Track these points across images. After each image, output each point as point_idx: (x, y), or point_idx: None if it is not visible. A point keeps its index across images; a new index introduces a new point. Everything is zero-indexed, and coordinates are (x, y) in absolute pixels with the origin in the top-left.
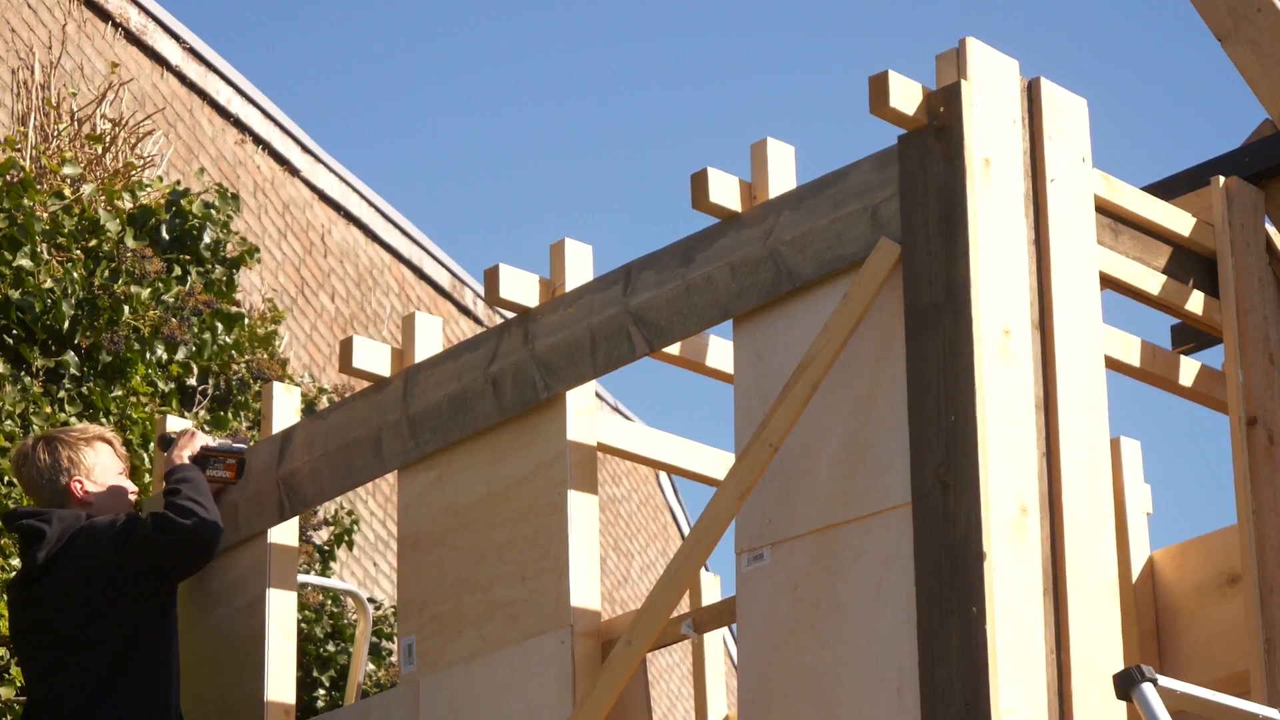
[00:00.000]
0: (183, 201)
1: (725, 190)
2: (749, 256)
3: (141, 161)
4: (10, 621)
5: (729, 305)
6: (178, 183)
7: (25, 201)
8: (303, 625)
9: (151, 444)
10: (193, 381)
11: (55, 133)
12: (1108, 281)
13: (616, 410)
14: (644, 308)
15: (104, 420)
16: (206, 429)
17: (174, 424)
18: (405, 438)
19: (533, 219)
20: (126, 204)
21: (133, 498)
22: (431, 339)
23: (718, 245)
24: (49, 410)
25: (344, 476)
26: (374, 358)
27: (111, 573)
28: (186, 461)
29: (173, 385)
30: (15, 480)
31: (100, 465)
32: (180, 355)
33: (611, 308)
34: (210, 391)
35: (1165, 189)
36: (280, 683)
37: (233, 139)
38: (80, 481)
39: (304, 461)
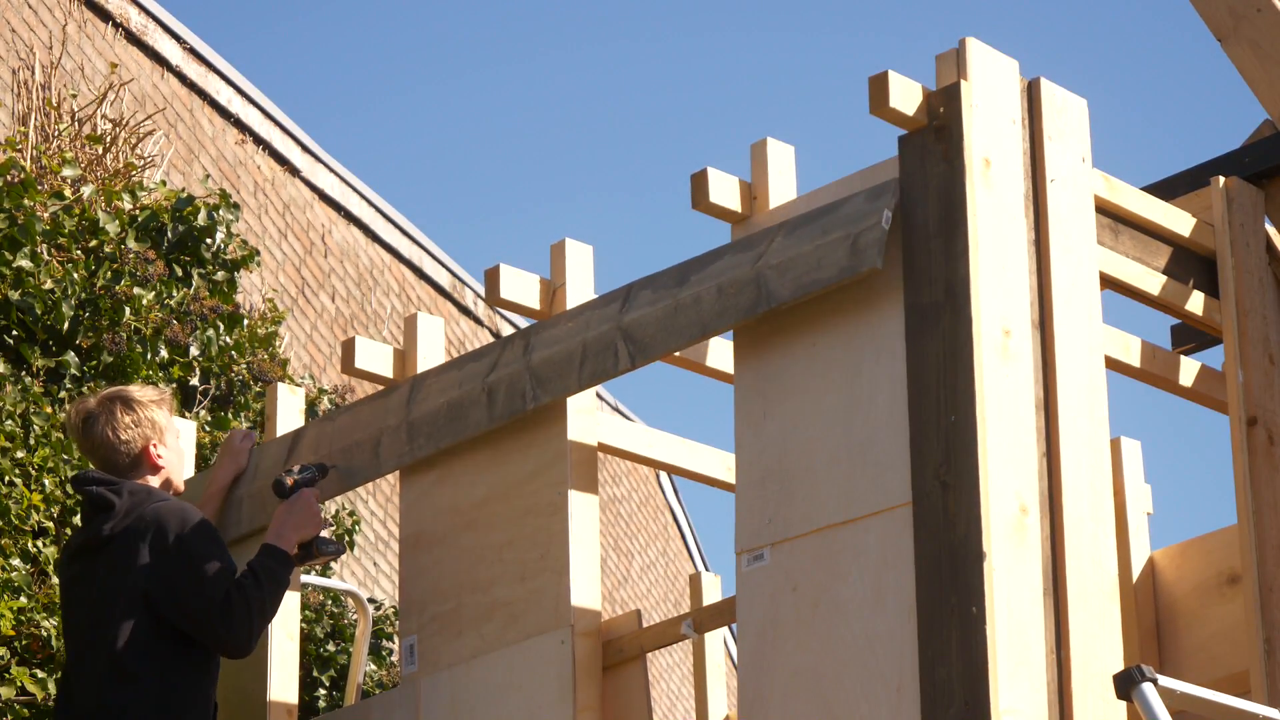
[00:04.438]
0: (186, 210)
1: (725, 190)
2: (737, 278)
3: (142, 162)
4: (61, 584)
5: (709, 324)
6: (182, 190)
7: (25, 202)
8: (303, 625)
9: None
10: (194, 382)
11: (56, 133)
12: (1108, 281)
13: (616, 410)
14: (634, 324)
15: None
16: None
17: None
18: (402, 442)
19: (533, 219)
20: (127, 205)
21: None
22: (433, 340)
23: (712, 267)
24: (49, 410)
25: (343, 478)
26: (376, 358)
27: (147, 582)
28: (294, 548)
29: (174, 386)
30: (75, 442)
31: (170, 429)
32: (193, 352)
33: (606, 323)
34: (211, 392)
35: (1165, 189)
36: (283, 683)
37: (233, 139)
38: (157, 444)
39: (311, 461)
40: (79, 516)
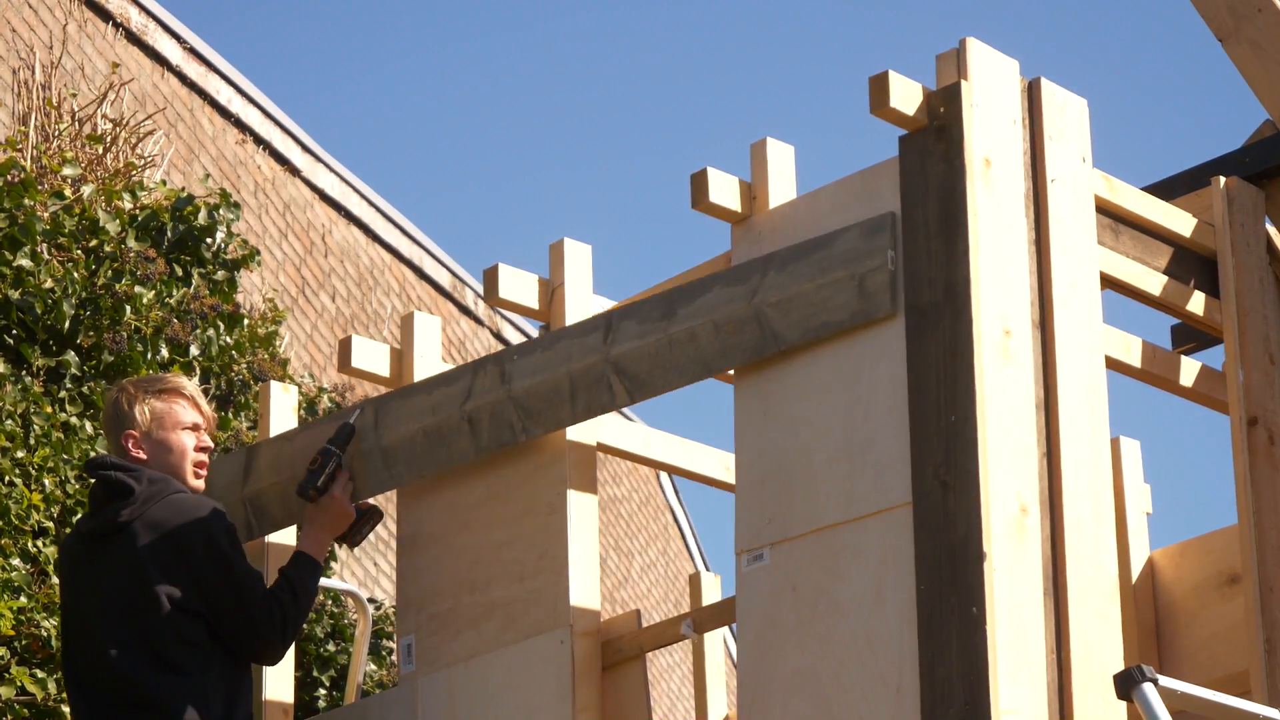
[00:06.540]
0: (186, 210)
1: (725, 190)
2: (733, 315)
3: (142, 161)
4: (64, 568)
5: (711, 363)
6: (182, 190)
7: (26, 201)
8: (303, 625)
9: None
10: (195, 382)
11: (56, 133)
12: (1108, 281)
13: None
14: (625, 358)
15: None
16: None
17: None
18: (379, 469)
19: (533, 219)
20: (127, 204)
21: (198, 456)
22: (431, 339)
23: (701, 301)
24: (49, 410)
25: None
26: (373, 357)
27: (172, 581)
28: (326, 554)
29: None
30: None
31: (157, 419)
32: (194, 351)
33: (591, 355)
34: (212, 392)
35: (1165, 189)
36: (279, 682)
37: (233, 139)
38: (131, 435)
39: (270, 483)
40: (90, 501)
